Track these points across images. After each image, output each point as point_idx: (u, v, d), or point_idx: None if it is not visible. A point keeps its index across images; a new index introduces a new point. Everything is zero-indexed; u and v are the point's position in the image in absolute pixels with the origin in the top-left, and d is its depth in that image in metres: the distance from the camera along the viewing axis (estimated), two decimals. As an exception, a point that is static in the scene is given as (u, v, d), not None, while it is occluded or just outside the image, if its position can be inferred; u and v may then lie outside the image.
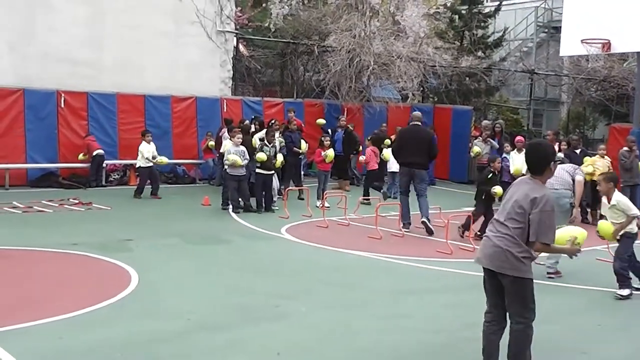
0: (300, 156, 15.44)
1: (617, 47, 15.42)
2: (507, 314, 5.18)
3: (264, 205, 13.31)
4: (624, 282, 8.05)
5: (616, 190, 8.18)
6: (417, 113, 12.81)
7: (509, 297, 5.13)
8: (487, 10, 27.55)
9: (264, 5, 22.88)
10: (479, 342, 5.35)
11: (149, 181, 14.73)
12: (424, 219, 11.64)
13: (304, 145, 15.35)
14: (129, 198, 14.44)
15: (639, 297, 8.18)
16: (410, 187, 12.03)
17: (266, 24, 21.43)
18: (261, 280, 8.23)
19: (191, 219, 12.52)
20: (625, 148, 13.97)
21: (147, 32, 17.31)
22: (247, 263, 9.22)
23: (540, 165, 5.06)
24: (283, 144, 14.47)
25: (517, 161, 14.70)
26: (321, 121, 18.30)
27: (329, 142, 15.04)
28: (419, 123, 12.29)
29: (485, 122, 17.63)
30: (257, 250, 10.05)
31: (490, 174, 11.32)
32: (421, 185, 11.92)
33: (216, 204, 13.59)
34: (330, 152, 14.71)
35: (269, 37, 21.73)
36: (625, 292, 7.97)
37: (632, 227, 8.04)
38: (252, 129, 15.24)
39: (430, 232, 11.55)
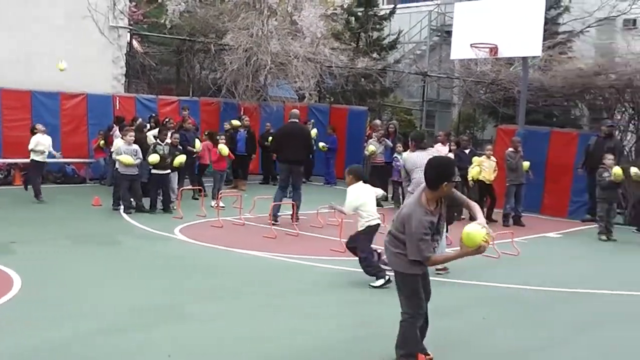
0: (194, 155, 15.24)
1: (504, 52, 16.01)
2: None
3: (160, 205, 13.06)
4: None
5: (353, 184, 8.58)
6: (295, 111, 13.07)
7: (397, 291, 5.38)
8: (382, 12, 28.14)
9: (159, 1, 22.46)
10: (381, 338, 5.44)
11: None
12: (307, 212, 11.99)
13: (198, 144, 15.15)
14: (14, 198, 13.84)
15: (525, 292, 8.56)
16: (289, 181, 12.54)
17: (162, 21, 21.03)
18: (155, 282, 8.07)
19: (81, 220, 12.14)
20: (511, 149, 14.58)
21: (36, 25, 16.64)
22: (140, 265, 9.02)
23: (437, 181, 5.11)
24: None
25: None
26: (236, 122, 18.21)
27: (224, 140, 14.90)
28: (297, 120, 12.71)
29: (376, 122, 17.99)
30: (150, 252, 9.85)
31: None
32: (299, 179, 12.46)
33: (107, 205, 13.23)
34: (223, 147, 14.61)
35: (165, 33, 21.35)
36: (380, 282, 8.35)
37: (362, 223, 8.48)
38: (148, 127, 14.96)
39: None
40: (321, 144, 19.68)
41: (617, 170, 13.12)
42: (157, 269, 8.76)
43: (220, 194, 13.63)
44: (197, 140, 15.12)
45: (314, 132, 17.82)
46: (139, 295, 7.42)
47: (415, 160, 9.23)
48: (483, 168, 14.36)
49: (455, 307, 7.65)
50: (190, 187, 14.69)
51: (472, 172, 14.37)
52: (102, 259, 9.25)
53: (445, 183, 5.08)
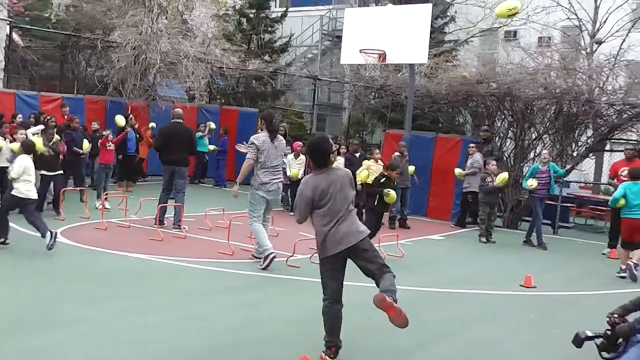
0: (82, 156, 14.73)
1: (392, 59, 16.39)
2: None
3: (50, 207, 12.55)
4: None
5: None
6: (179, 110, 12.79)
7: None
8: (274, 15, 28.20)
9: (44, -7, 21.62)
10: (271, 340, 5.45)
11: None
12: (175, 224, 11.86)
13: (86, 145, 14.66)
14: None
15: (407, 293, 8.78)
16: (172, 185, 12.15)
17: (46, 14, 20.23)
18: (39, 287, 7.72)
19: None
20: (397, 153, 14.96)
21: None
22: (21, 268, 8.62)
23: (325, 157, 5.86)
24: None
25: (293, 166, 15.32)
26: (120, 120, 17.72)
27: (111, 135, 14.47)
28: (181, 120, 12.44)
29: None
30: (31, 255, 9.41)
31: (384, 178, 11.09)
32: (182, 182, 12.14)
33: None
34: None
35: (49, 28, 20.53)
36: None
37: None
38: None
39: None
40: (211, 147, 19.51)
41: (503, 176, 13.73)
42: (34, 273, 8.39)
43: (106, 194, 13.24)
44: (85, 141, 14.61)
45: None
46: (10, 302, 7.07)
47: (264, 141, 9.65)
48: (371, 171, 14.64)
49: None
50: (72, 188, 14.17)
51: (361, 175, 14.61)
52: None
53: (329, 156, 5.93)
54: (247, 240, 10.76)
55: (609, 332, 5.49)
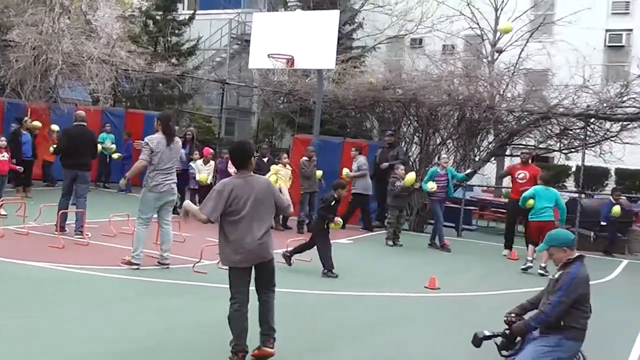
0: None
1: (300, 64, 16.47)
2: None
3: None
4: None
5: None
6: (81, 113, 12.43)
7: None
8: (181, 18, 27.86)
9: None
10: (172, 347, 5.33)
11: None
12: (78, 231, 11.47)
13: None
14: None
15: (312, 296, 8.82)
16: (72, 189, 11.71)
17: (-63, 11, 19.25)
18: None
19: None
20: (305, 157, 15.02)
21: None
22: None
23: (247, 159, 5.82)
24: None
25: (202, 171, 15.20)
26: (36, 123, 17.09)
27: (4, 143, 13.74)
28: (84, 123, 12.02)
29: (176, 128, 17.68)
30: None
31: (334, 201, 10.72)
32: (84, 187, 11.75)
33: None
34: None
35: (-59, 25, 19.55)
36: None
37: None
38: None
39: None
40: (115, 155, 19.01)
41: (411, 176, 14.03)
42: None
43: (2, 201, 12.67)
44: None
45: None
46: None
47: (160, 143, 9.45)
48: (280, 176, 14.64)
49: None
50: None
51: (271, 179, 14.59)
52: None
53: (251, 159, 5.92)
54: (153, 247, 10.54)
55: (507, 331, 5.67)
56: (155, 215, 9.79)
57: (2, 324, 6.56)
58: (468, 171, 16.27)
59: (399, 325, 7.88)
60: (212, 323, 7.03)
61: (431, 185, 14.03)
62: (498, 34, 26.34)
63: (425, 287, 9.86)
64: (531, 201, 12.02)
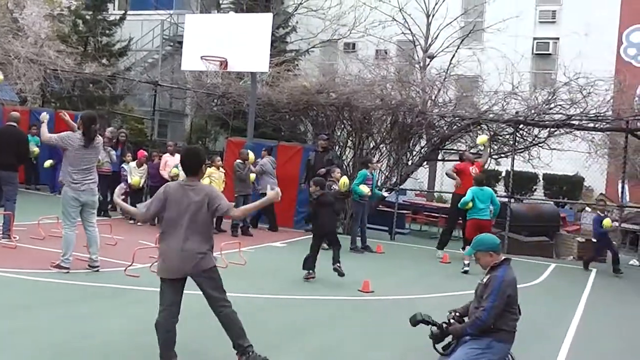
0: None
1: (234, 66, 16.42)
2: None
3: None
4: None
5: None
6: (15, 113, 12.19)
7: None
8: (112, 18, 27.38)
9: None
10: (99, 352, 5.22)
11: None
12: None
13: None
14: None
15: (246, 299, 8.80)
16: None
17: None
18: None
19: None
20: (239, 160, 14.97)
21: None
22: None
23: (197, 167, 5.84)
24: None
25: (135, 174, 15.01)
26: None
27: None
28: (14, 124, 11.75)
29: (110, 129, 17.34)
30: None
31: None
32: (9, 188, 11.43)
33: None
34: None
35: None
36: None
37: None
38: None
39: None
40: (47, 163, 18.41)
41: (343, 179, 14.05)
42: None
43: None
44: None
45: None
46: None
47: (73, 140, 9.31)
48: (213, 179, 14.56)
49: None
50: None
51: (203, 182, 14.49)
52: None
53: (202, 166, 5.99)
54: (83, 249, 10.31)
55: (444, 325, 5.78)
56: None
57: None
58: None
59: (333, 329, 7.93)
60: (141, 327, 6.94)
61: (365, 189, 14.16)
62: (430, 40, 26.83)
63: (359, 290, 9.94)
64: (471, 204, 12.82)
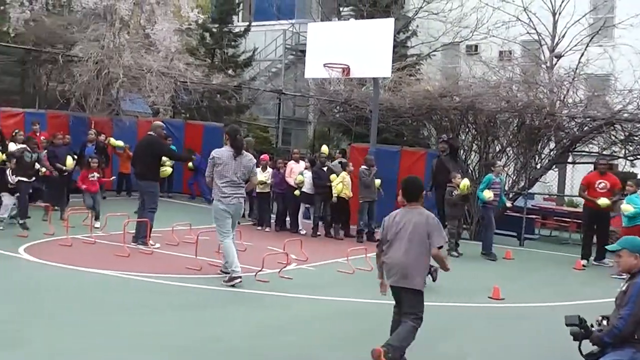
0: (64, 173, 14.44)
1: (356, 73, 16.47)
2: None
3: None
4: None
5: None
6: (157, 123, 12.59)
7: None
8: (237, 30, 28.21)
9: (2, 7, 21.26)
10: (221, 356, 5.36)
11: None
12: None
13: (70, 162, 14.36)
14: None
15: (374, 306, 8.79)
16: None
17: (4, 28, 19.88)
18: (-3, 305, 7.54)
19: None
20: (364, 166, 15.00)
21: None
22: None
23: (417, 193, 6.32)
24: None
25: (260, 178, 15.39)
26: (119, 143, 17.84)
27: (96, 164, 13.72)
28: (153, 133, 12.02)
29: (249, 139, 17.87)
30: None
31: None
32: (146, 198, 11.79)
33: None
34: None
35: (8, 42, 20.19)
36: None
37: None
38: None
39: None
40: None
41: (464, 182, 13.81)
42: (1, 290, 8.19)
43: (69, 211, 12.96)
44: (68, 157, 14.31)
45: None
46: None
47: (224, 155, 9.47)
48: (345, 184, 14.72)
49: (304, 322, 7.78)
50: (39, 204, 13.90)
51: (337, 187, 14.72)
52: None
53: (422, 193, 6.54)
54: (215, 255, 10.66)
55: (592, 328, 5.53)
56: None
57: (82, 323, 6.80)
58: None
59: (464, 337, 7.77)
60: (268, 331, 7.09)
61: (488, 194, 13.81)
62: (557, 38, 25.88)
63: (489, 297, 9.71)
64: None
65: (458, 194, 13.88)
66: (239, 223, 10.27)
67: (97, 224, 12.91)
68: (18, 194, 12.47)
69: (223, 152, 9.52)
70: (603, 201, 13.35)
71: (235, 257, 9.38)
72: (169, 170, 14.13)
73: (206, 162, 9.90)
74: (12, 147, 13.78)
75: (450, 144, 16.25)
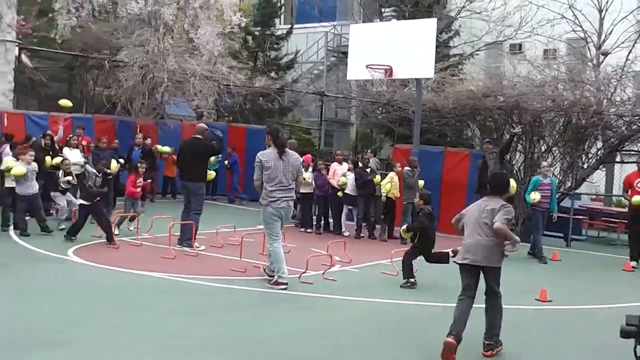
0: (109, 177, 14.71)
1: (398, 73, 16.40)
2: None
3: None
4: None
5: None
6: (201, 125, 12.66)
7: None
8: (279, 32, 28.36)
9: (50, 15, 21.72)
10: (269, 357, 5.39)
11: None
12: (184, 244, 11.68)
13: (114, 165, 14.64)
14: None
15: (420, 307, 8.74)
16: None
17: (52, 35, 20.33)
18: (44, 305, 7.69)
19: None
20: (408, 167, 14.92)
21: None
22: (28, 287, 8.58)
23: (502, 188, 7.20)
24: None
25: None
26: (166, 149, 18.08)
27: (144, 169, 13.87)
28: (199, 136, 12.11)
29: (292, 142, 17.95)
30: (40, 274, 9.42)
31: None
32: (194, 199, 11.89)
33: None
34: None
35: (56, 48, 20.64)
36: None
37: None
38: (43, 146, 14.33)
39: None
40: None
41: (511, 184, 13.47)
42: (45, 292, 8.36)
43: (116, 213, 13.18)
44: (113, 161, 14.57)
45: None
46: (19, 320, 7.02)
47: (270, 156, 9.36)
48: (393, 184, 14.69)
49: (347, 323, 7.76)
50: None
51: (386, 187, 14.69)
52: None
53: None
54: (259, 257, 10.73)
55: None
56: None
57: (126, 323, 6.91)
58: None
59: (509, 338, 7.66)
60: (313, 332, 7.10)
61: (534, 196, 13.59)
62: (603, 36, 25.42)
63: (536, 299, 9.57)
64: None
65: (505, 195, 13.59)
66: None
67: (132, 226, 13.06)
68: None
69: (269, 154, 9.42)
70: (636, 199, 13.02)
71: (283, 262, 9.33)
72: (212, 174, 14.19)
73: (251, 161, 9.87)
74: (67, 151, 14.12)
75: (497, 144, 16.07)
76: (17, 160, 12.29)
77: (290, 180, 9.46)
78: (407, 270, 10.01)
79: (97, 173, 12.31)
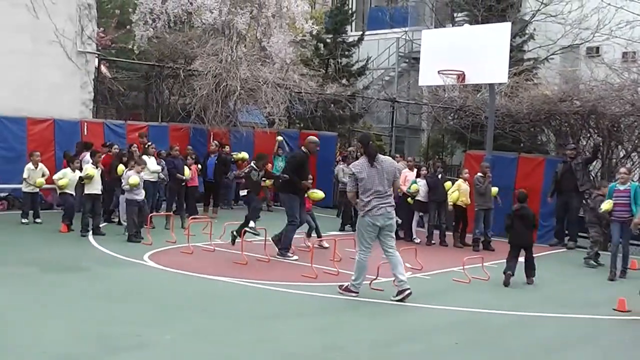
0: (183, 183, 15.15)
1: (471, 79, 16.22)
2: None
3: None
4: None
5: None
6: (311, 138, 12.83)
7: None
8: (350, 39, 28.40)
9: (128, 27, 22.41)
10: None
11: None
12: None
13: (187, 172, 15.07)
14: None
15: (494, 316, 8.60)
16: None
17: (130, 46, 20.96)
18: (121, 309, 7.93)
19: (48, 246, 11.95)
20: (480, 174, 14.70)
21: (2, 51, 16.46)
22: (106, 291, 8.86)
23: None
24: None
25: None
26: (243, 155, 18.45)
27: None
28: (304, 149, 12.43)
29: (351, 148, 18.05)
30: (117, 278, 9.71)
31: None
32: (286, 210, 12.07)
33: (75, 231, 13.07)
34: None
35: (133, 59, 21.25)
36: None
37: None
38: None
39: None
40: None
41: (607, 204, 12.78)
42: (123, 296, 8.62)
43: (191, 219, 13.45)
44: (185, 168, 15.04)
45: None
46: (98, 323, 7.24)
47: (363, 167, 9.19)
48: (461, 192, 14.50)
49: (424, 331, 7.69)
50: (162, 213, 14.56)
51: (453, 196, 14.53)
52: (68, 285, 9.08)
53: None
54: (330, 263, 10.77)
55: None
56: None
57: (200, 328, 7.03)
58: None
59: (584, 349, 7.47)
60: (386, 339, 7.07)
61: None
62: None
63: (614, 309, 9.28)
64: None
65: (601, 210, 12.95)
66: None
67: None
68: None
69: (361, 164, 9.20)
70: None
71: (363, 275, 9.21)
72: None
73: None
74: (145, 159, 14.55)
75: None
76: (96, 167, 13.14)
77: (386, 187, 9.17)
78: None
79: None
